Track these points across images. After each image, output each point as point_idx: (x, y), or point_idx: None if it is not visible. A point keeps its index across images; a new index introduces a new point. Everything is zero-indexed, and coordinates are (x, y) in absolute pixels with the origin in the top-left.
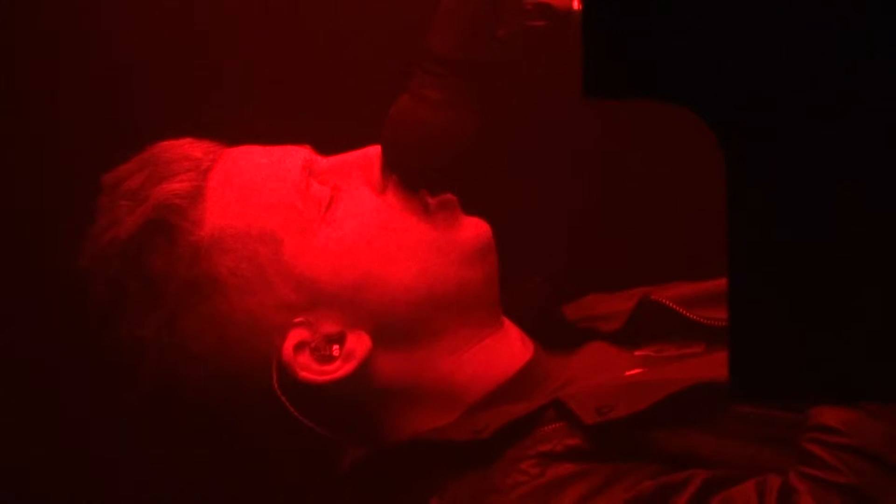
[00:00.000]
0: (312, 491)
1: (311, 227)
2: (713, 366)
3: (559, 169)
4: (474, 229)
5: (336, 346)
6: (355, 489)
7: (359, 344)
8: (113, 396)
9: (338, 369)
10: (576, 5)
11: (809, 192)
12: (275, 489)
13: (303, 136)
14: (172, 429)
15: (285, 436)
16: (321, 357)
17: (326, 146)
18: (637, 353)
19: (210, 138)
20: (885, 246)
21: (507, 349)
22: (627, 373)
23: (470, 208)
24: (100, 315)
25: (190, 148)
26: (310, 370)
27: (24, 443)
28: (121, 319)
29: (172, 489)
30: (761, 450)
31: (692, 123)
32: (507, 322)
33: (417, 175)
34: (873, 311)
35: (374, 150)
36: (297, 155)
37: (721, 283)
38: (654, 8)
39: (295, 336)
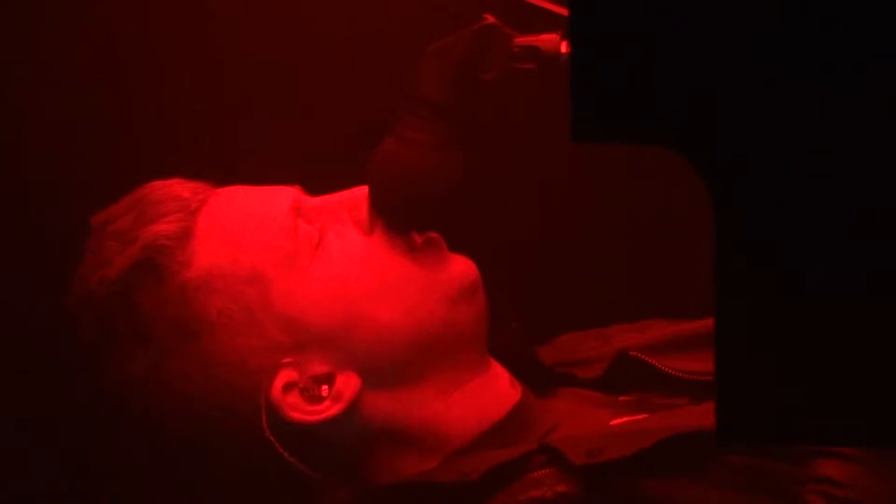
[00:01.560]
0: None
1: (300, 267)
2: (701, 415)
3: (547, 207)
4: (461, 268)
5: (325, 387)
6: None
7: (347, 384)
8: (99, 433)
9: (326, 409)
10: (563, 49)
11: (799, 233)
12: None
13: (291, 175)
14: (158, 467)
15: (271, 476)
16: (310, 397)
17: (315, 186)
18: (621, 398)
19: (199, 178)
20: (878, 285)
21: (495, 391)
22: (614, 420)
23: (453, 247)
24: (88, 354)
25: (179, 188)
26: (298, 410)
27: (12, 474)
28: (109, 359)
29: None
30: (749, 499)
31: (681, 167)
32: (494, 364)
33: (403, 218)
34: (865, 356)
35: (362, 191)
36: (286, 195)
37: (697, 326)
38: (642, 51)
39: (283, 377)
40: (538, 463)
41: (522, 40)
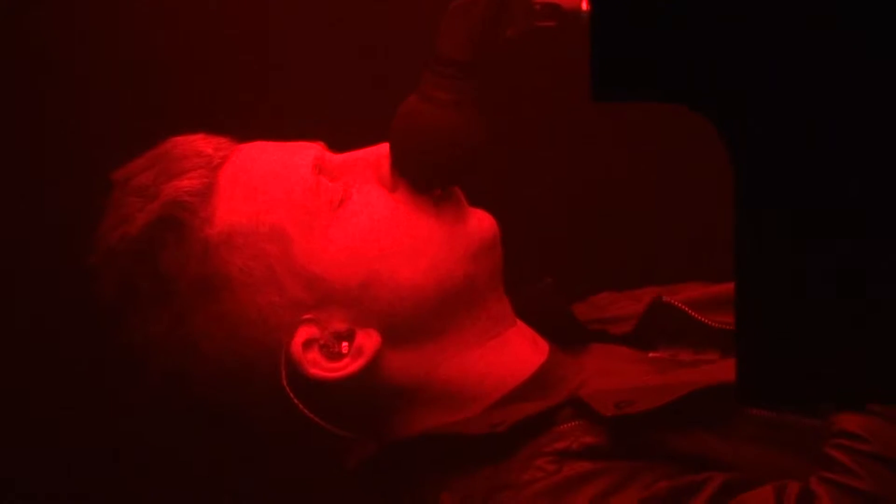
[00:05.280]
0: (320, 487)
1: (321, 224)
2: (729, 369)
3: (570, 167)
4: (481, 222)
5: (345, 344)
6: (365, 484)
7: (368, 341)
8: (122, 393)
9: (347, 366)
10: (584, 6)
11: (818, 197)
12: (282, 486)
13: (315, 132)
14: (180, 426)
15: (294, 433)
16: (330, 354)
17: (338, 143)
18: (651, 354)
19: (222, 134)
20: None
21: (518, 349)
22: (644, 375)
23: (481, 206)
24: (109, 312)
25: (201, 144)
26: (319, 367)
27: (30, 438)
28: (130, 316)
29: (180, 485)
30: (776, 454)
31: (701, 125)
32: (519, 322)
33: (424, 176)
34: (882, 314)
35: (386, 147)
36: (308, 152)
37: (730, 286)
38: (663, 10)
39: (304, 333)
40: (566, 416)
41: None
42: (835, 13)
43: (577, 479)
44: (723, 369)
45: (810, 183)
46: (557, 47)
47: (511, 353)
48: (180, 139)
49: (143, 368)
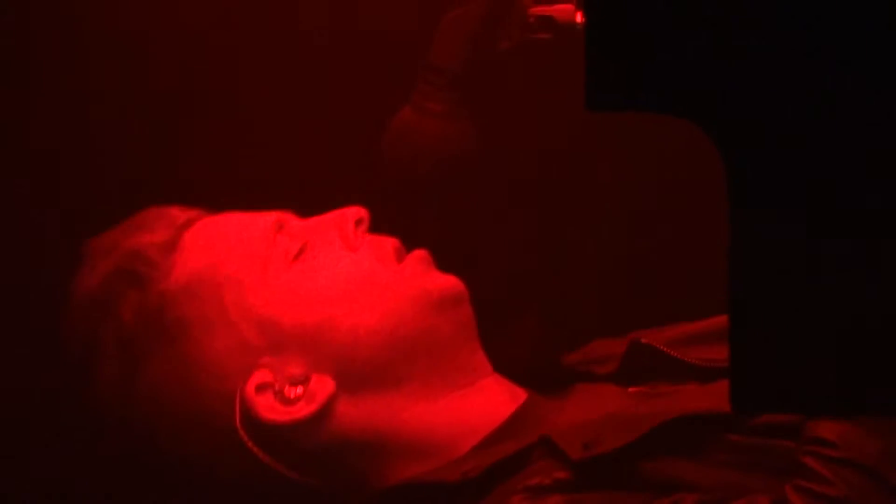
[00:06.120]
0: None
1: (276, 271)
2: (701, 397)
3: (566, 179)
4: (445, 281)
5: (300, 388)
6: None
7: (321, 386)
8: (85, 445)
9: (299, 410)
10: (578, 18)
11: (811, 209)
12: None
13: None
14: (144, 478)
15: (261, 484)
16: (284, 399)
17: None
18: (631, 390)
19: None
20: (886, 264)
21: (491, 398)
22: (621, 410)
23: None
24: (74, 364)
25: (174, 211)
26: (271, 410)
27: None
28: (92, 367)
29: None
30: (750, 478)
31: (696, 136)
32: (493, 374)
33: (415, 189)
34: (874, 329)
35: (350, 210)
36: (272, 214)
37: (717, 321)
38: (657, 20)
39: (258, 377)
40: (538, 455)
41: (538, 10)
42: (832, 20)
43: None
44: (694, 398)
45: (806, 192)
46: (552, 59)
47: (483, 401)
48: (154, 208)
49: (106, 420)
